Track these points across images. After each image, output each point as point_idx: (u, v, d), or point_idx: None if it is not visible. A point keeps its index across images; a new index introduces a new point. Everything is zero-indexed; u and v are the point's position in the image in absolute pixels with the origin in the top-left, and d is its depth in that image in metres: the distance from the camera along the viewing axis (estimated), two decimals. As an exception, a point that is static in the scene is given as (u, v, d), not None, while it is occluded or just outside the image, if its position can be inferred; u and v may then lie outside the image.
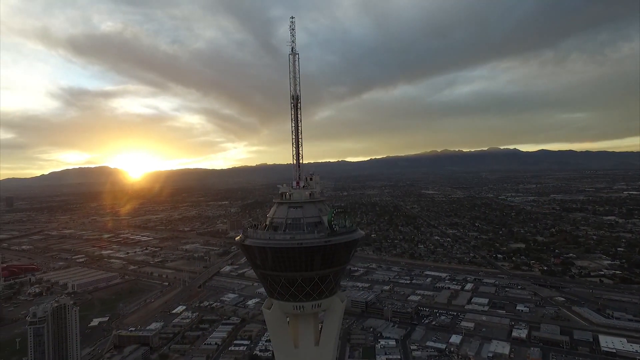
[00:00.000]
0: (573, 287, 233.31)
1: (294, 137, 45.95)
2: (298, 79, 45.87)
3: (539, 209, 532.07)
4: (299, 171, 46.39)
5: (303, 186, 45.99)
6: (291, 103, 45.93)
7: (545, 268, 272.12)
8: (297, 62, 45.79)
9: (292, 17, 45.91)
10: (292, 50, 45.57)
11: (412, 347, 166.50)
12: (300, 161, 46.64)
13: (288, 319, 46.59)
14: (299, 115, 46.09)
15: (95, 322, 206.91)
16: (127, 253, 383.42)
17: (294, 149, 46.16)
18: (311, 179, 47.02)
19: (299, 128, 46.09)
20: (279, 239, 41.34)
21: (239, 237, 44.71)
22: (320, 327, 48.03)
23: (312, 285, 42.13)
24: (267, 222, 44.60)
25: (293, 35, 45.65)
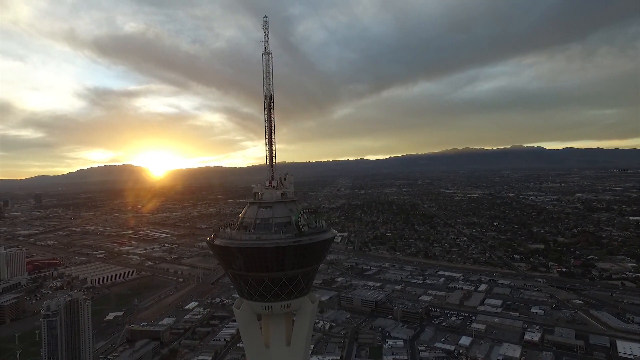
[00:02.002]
0: (592, 289, 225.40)
1: (267, 137, 45.86)
2: (271, 79, 45.79)
3: (562, 208, 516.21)
4: (271, 171, 46.25)
5: (274, 186, 45.87)
6: (264, 103, 45.85)
7: (564, 270, 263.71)
8: (270, 62, 45.69)
9: (266, 17, 45.63)
10: (265, 49, 45.38)
11: (420, 348, 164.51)
12: (274, 161, 46.50)
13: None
14: (272, 115, 46.00)
15: (110, 316, 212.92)
16: (145, 249, 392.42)
17: (267, 149, 46.07)
18: (285, 179, 46.87)
19: (272, 128, 45.98)
20: (245, 239, 41.35)
21: (209, 237, 45.00)
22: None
23: (280, 285, 41.94)
24: (239, 222, 44.73)
25: (266, 35, 45.41)
